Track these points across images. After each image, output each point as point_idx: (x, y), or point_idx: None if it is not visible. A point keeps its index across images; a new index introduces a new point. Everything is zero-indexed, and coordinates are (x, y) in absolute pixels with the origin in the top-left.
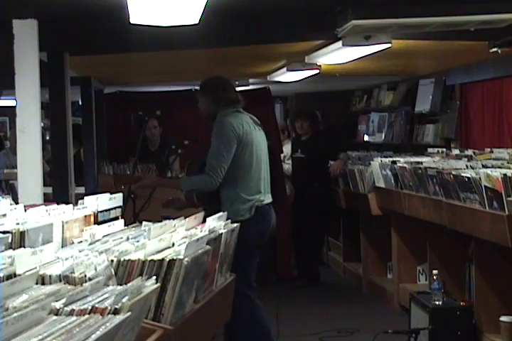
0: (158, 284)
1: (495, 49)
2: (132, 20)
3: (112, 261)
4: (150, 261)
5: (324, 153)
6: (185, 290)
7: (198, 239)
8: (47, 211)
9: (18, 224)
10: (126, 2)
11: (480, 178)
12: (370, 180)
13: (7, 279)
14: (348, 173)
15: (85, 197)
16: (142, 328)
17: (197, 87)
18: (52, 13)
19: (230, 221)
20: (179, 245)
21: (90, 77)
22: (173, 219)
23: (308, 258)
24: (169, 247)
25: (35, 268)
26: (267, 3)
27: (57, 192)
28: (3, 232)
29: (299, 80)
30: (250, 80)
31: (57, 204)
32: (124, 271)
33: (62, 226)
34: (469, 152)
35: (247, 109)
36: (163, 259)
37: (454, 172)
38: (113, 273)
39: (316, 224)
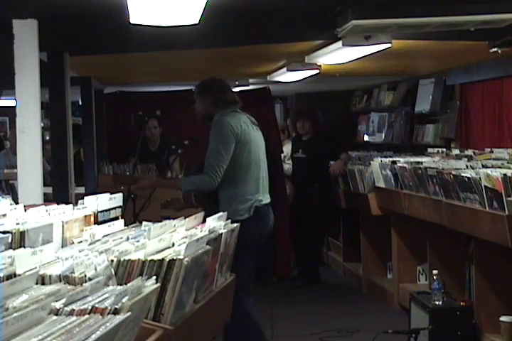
0: (158, 284)
1: (495, 49)
2: (132, 20)
3: (112, 261)
4: (150, 261)
5: (325, 153)
6: (185, 290)
7: (198, 239)
8: (47, 211)
9: (18, 224)
10: (126, 2)
11: (480, 178)
12: (370, 180)
13: (7, 279)
14: (348, 173)
15: (85, 197)
16: (142, 328)
17: None
18: (52, 13)
19: (230, 221)
20: (179, 245)
21: (90, 77)
22: (173, 219)
23: (309, 258)
24: (169, 247)
25: (35, 268)
26: (267, 3)
27: (57, 192)
28: (3, 232)
29: (299, 80)
30: (250, 80)
31: (57, 204)
32: (124, 271)
33: (62, 226)
34: (469, 152)
35: (247, 109)
36: (163, 259)
37: (454, 172)
38: (113, 273)
39: (316, 224)
